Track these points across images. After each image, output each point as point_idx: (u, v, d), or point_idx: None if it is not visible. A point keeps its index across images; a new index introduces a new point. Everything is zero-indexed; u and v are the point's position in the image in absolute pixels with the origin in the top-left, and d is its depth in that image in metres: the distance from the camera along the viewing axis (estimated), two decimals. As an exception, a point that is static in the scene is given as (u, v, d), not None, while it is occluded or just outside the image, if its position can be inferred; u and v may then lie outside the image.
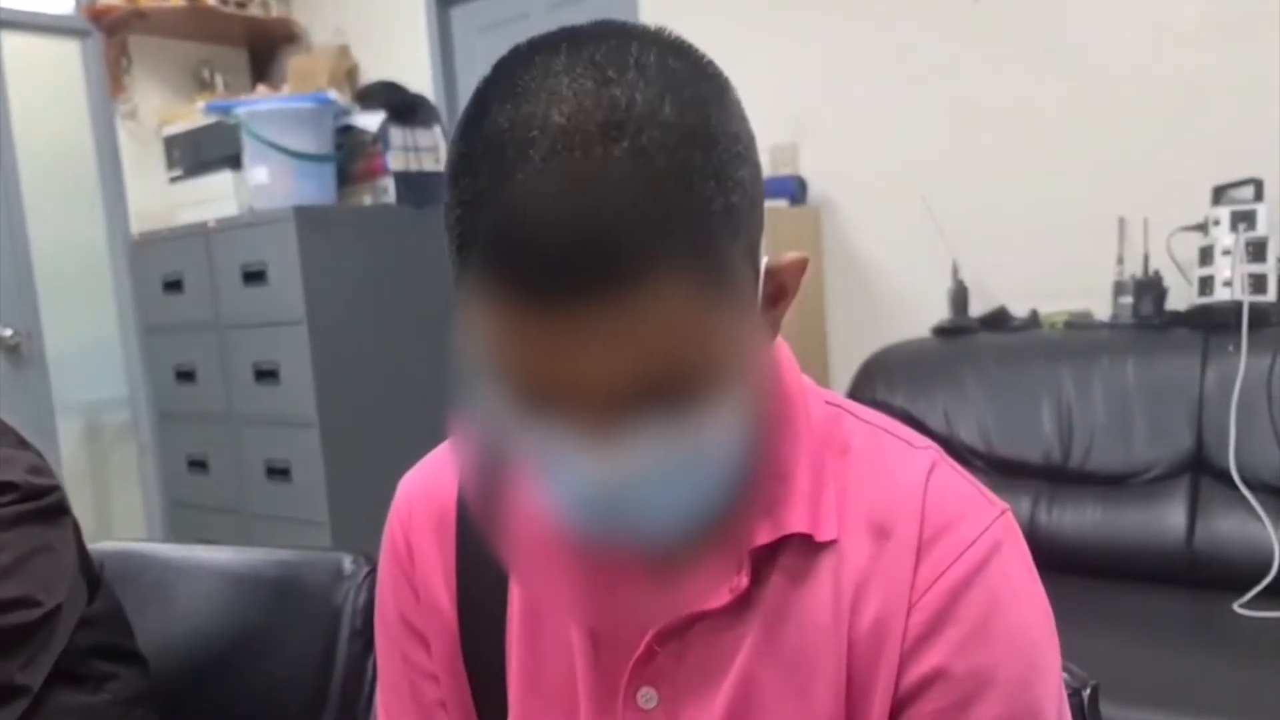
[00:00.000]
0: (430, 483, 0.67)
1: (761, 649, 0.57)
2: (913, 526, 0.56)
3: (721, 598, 0.56)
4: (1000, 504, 0.58)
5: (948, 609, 0.55)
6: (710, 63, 0.50)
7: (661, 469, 0.49)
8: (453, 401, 0.58)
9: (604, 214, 0.43)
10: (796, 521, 0.56)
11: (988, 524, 0.56)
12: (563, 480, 0.51)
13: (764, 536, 0.56)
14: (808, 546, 0.57)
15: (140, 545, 1.26)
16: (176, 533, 3.40)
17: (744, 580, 0.56)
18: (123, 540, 1.27)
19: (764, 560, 0.57)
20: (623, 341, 0.44)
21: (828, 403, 0.62)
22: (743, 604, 0.57)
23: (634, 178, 0.43)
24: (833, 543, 0.57)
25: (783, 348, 0.61)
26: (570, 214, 0.43)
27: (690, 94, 0.46)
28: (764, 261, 0.52)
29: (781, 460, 0.58)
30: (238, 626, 1.11)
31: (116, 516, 3.51)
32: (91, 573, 1.07)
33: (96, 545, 1.14)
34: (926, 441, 0.61)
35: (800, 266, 0.55)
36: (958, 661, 0.54)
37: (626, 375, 0.45)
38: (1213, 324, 1.93)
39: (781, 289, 0.54)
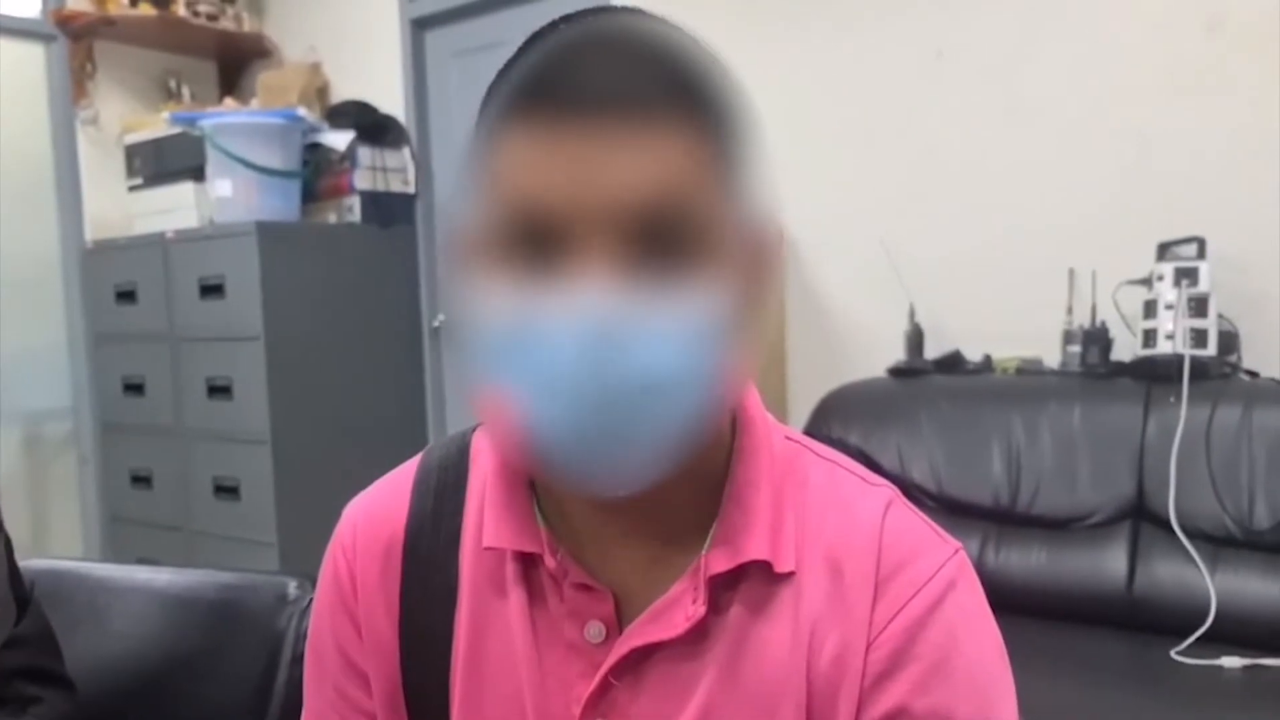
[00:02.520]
0: (377, 509, 0.66)
1: (721, 681, 0.56)
2: (869, 563, 0.56)
3: (678, 627, 0.56)
4: (954, 542, 0.59)
5: (906, 646, 0.55)
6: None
7: (657, 316, 0.49)
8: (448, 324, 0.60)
9: (637, 73, 0.50)
10: (756, 549, 0.56)
11: (942, 562, 0.57)
12: (554, 321, 0.49)
13: (722, 564, 0.56)
14: (767, 576, 0.57)
15: (74, 564, 1.22)
16: (116, 550, 3.31)
17: (701, 608, 0.56)
18: (56, 558, 1.23)
19: (722, 588, 0.57)
20: (643, 162, 0.49)
21: (788, 438, 0.63)
22: (701, 634, 0.56)
23: (663, 62, 0.51)
24: (791, 574, 0.57)
25: (750, 387, 0.62)
26: (611, 69, 0.50)
27: (709, 52, 0.55)
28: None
29: (742, 487, 0.58)
30: (173, 650, 1.08)
31: (53, 531, 3.41)
32: (21, 591, 1.04)
33: (28, 562, 1.10)
34: (882, 480, 0.62)
35: (778, 236, 0.57)
36: (918, 699, 0.54)
37: (641, 194, 0.49)
38: (1155, 375, 1.98)
39: (761, 251, 0.56)
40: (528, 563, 0.60)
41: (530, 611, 0.59)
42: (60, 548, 3.34)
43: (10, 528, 1.03)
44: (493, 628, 0.60)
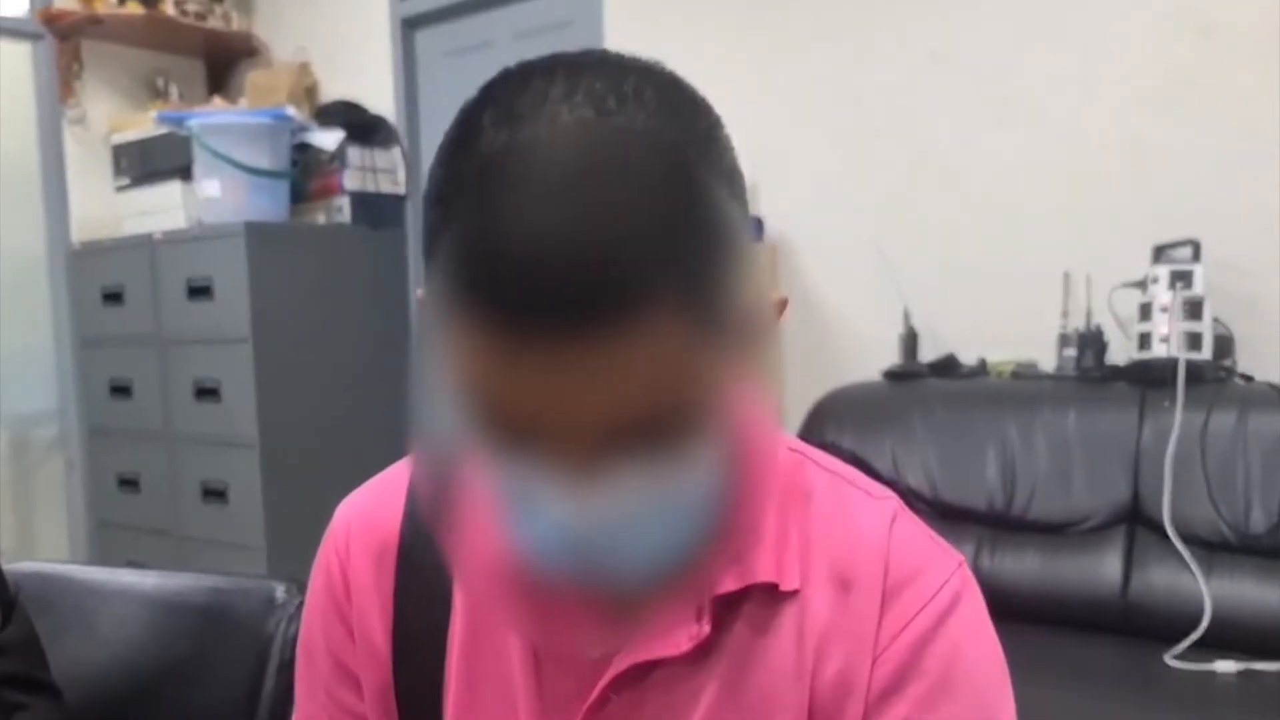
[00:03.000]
0: (372, 509, 0.64)
1: (723, 700, 0.55)
2: (876, 578, 0.56)
3: (682, 645, 0.55)
4: (957, 555, 0.59)
5: (912, 662, 0.54)
6: (704, 99, 0.50)
7: (642, 512, 0.46)
8: (413, 422, 0.54)
9: (604, 247, 0.41)
10: (764, 570, 0.55)
11: (948, 575, 0.57)
12: (534, 519, 0.47)
13: (729, 584, 0.55)
14: (772, 596, 0.56)
15: (60, 567, 1.20)
16: (103, 554, 3.28)
17: (706, 628, 0.55)
18: (43, 561, 1.21)
19: (727, 608, 0.56)
20: (615, 379, 0.42)
21: (790, 448, 0.62)
22: (703, 652, 0.55)
23: (635, 212, 0.42)
24: (796, 592, 0.56)
25: None
26: (569, 245, 0.41)
27: (689, 129, 0.46)
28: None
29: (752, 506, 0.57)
30: (161, 655, 1.06)
31: (39, 536, 3.37)
32: (6, 596, 1.02)
33: (14, 566, 1.08)
34: (886, 491, 0.61)
35: (783, 304, 0.54)
36: (923, 715, 0.54)
37: (616, 413, 0.43)
38: (1150, 379, 1.98)
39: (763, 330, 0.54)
40: None
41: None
42: (47, 552, 3.31)
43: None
44: (489, 635, 0.59)
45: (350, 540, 0.64)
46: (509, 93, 0.46)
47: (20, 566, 1.12)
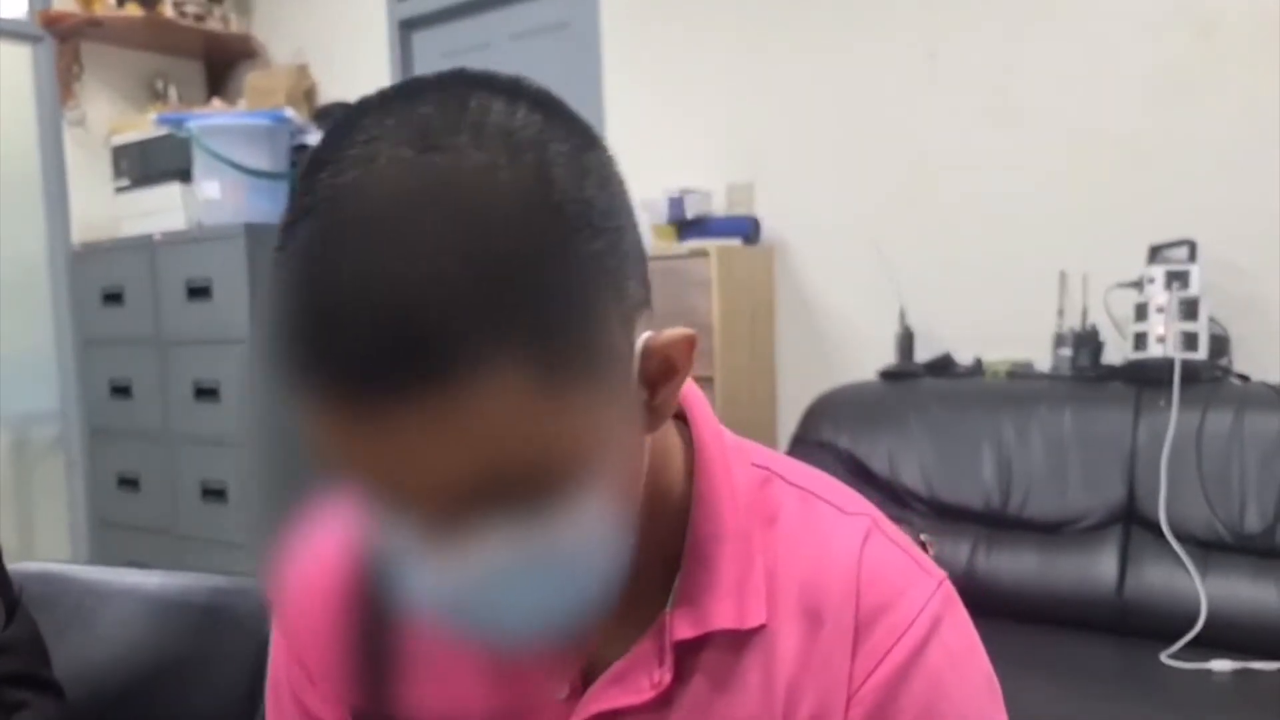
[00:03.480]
0: (321, 550, 0.62)
1: None
2: (847, 610, 0.52)
3: (644, 693, 0.53)
4: (937, 573, 0.55)
5: (889, 699, 0.51)
6: (573, 118, 0.45)
7: (513, 573, 0.44)
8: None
9: (417, 304, 0.37)
10: (722, 616, 0.53)
11: (925, 600, 0.53)
12: (406, 579, 0.46)
13: (686, 630, 0.53)
14: (735, 637, 0.53)
15: (62, 566, 1.21)
16: (103, 553, 3.28)
17: (667, 676, 0.52)
18: (44, 561, 1.22)
19: (688, 653, 0.53)
20: (449, 443, 0.39)
21: (755, 464, 0.58)
22: (666, 700, 0.53)
23: (455, 259, 0.38)
24: (762, 627, 0.53)
25: (702, 413, 0.57)
26: (379, 304, 0.38)
27: (533, 158, 0.41)
28: (642, 339, 0.46)
29: (703, 540, 0.54)
30: (162, 655, 1.07)
31: (40, 535, 3.38)
32: (10, 596, 1.02)
33: (16, 566, 1.09)
34: (860, 505, 0.58)
35: (689, 343, 0.48)
36: None
37: (457, 480, 0.40)
38: (1146, 379, 1.99)
39: (669, 367, 0.48)
40: None
41: (494, 662, 0.56)
42: (48, 551, 3.32)
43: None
44: (452, 681, 0.57)
45: (306, 578, 0.62)
46: (345, 130, 0.43)
47: (23, 566, 1.13)
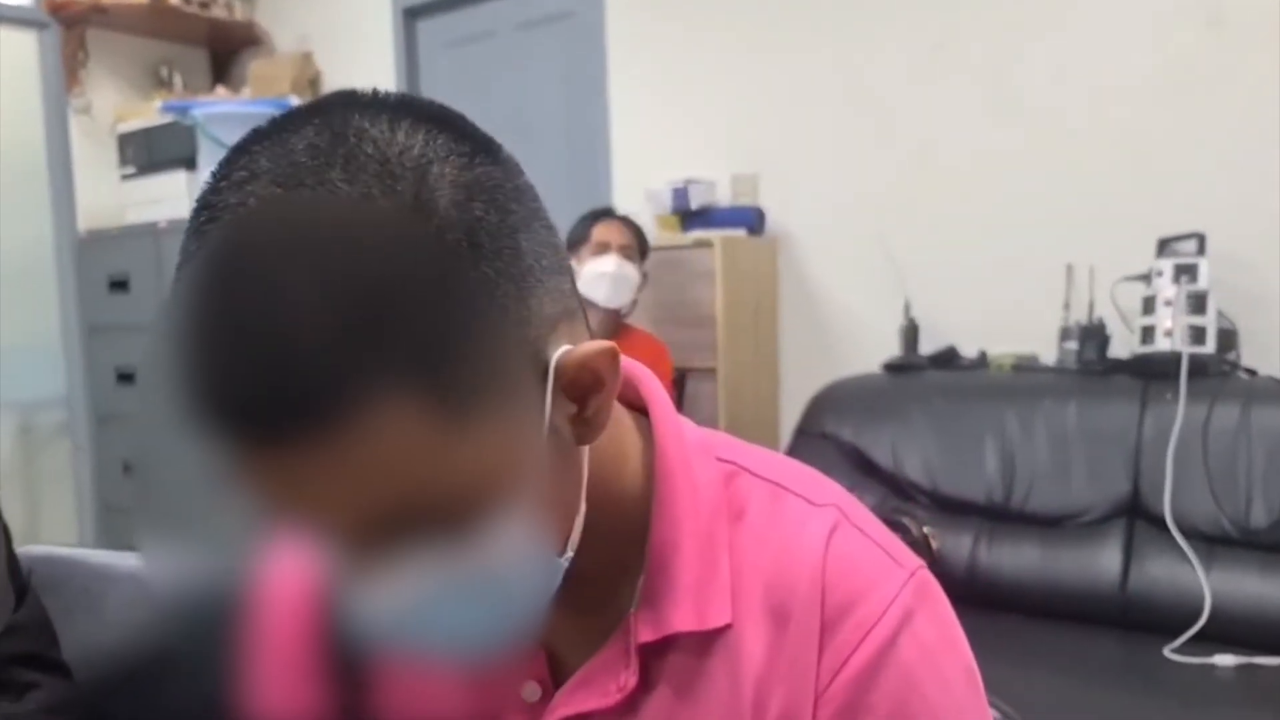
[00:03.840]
0: (289, 569, 0.62)
1: None
2: (813, 607, 0.51)
3: (610, 697, 0.53)
4: (911, 564, 0.53)
5: (858, 698, 0.50)
6: (463, 134, 0.44)
7: (442, 596, 0.45)
8: None
9: (291, 351, 0.37)
10: (681, 619, 0.52)
11: (895, 593, 0.51)
12: (348, 605, 0.46)
13: (647, 634, 0.52)
14: (698, 639, 0.53)
15: (70, 551, 1.22)
16: (108, 537, 3.30)
17: (632, 679, 0.52)
18: (52, 545, 1.22)
19: (652, 656, 0.53)
20: (344, 483, 0.39)
21: (721, 459, 0.56)
22: (632, 703, 0.53)
23: (326, 300, 0.37)
24: (727, 627, 0.52)
25: (661, 412, 0.56)
26: (255, 354, 0.37)
27: (410, 185, 0.40)
28: (557, 354, 0.45)
29: (662, 544, 0.53)
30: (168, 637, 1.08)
31: (46, 520, 3.40)
32: (19, 579, 1.03)
33: (24, 549, 1.10)
34: (830, 494, 0.56)
35: (610, 355, 0.47)
36: None
37: (361, 516, 0.40)
38: (1153, 372, 1.98)
39: (595, 379, 0.47)
40: None
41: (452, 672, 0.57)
42: (54, 536, 3.33)
43: (4, 516, 1.03)
44: (424, 689, 0.57)
45: (273, 604, 0.63)
46: (233, 161, 0.42)
47: (30, 550, 1.13)
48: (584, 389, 0.47)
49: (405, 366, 0.38)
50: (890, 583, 0.52)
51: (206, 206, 0.41)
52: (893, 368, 2.35)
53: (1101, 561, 1.94)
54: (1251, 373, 2.01)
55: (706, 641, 0.52)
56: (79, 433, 3.38)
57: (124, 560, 1.17)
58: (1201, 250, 2.00)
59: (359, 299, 0.38)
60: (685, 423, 0.58)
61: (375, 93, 0.44)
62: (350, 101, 0.43)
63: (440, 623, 0.46)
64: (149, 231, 3.01)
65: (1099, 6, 2.21)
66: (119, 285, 3.12)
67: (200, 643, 1.06)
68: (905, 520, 1.96)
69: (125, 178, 3.22)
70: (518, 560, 0.46)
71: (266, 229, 0.39)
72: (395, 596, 0.44)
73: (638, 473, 0.55)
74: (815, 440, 2.25)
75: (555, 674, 0.55)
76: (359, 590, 0.44)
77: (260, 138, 0.42)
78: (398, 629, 0.46)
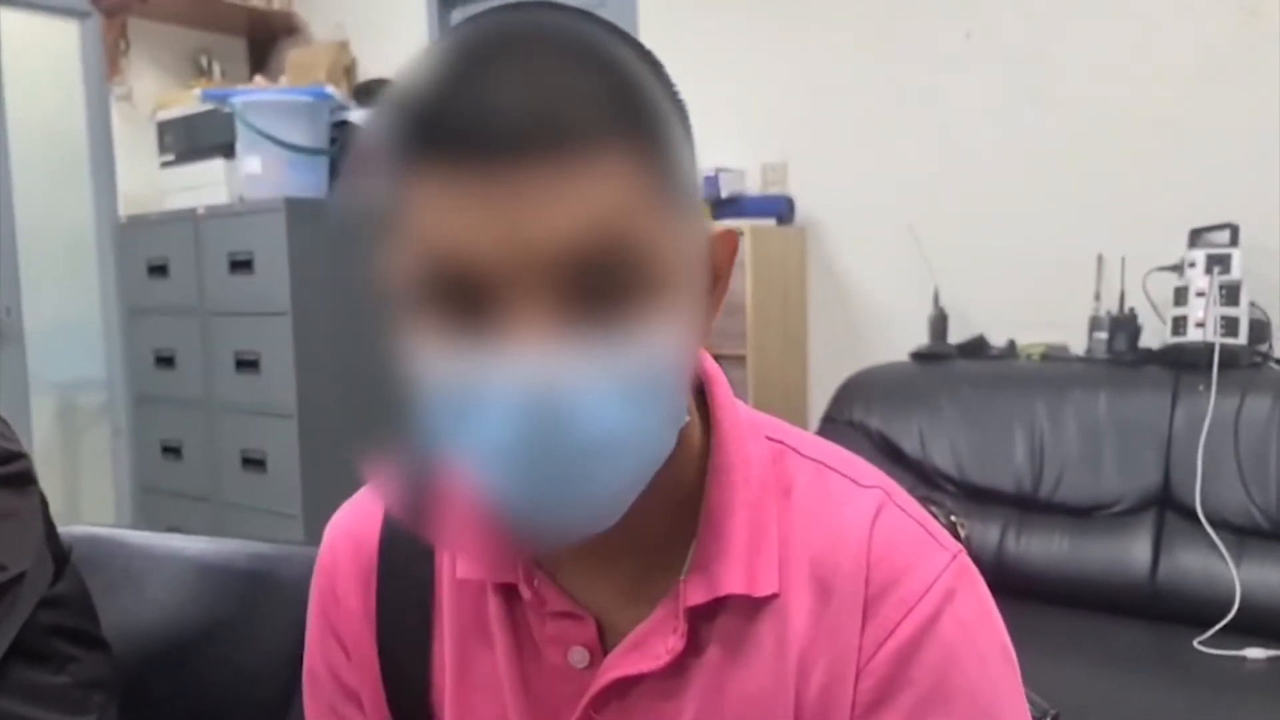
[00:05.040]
0: (355, 526, 0.64)
1: (703, 715, 0.54)
2: (858, 582, 0.53)
3: (659, 659, 0.54)
4: (952, 546, 0.55)
5: (899, 672, 0.51)
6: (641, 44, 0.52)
7: (600, 373, 0.45)
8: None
9: (561, 85, 0.44)
10: (732, 582, 0.53)
11: (938, 573, 0.53)
12: (493, 393, 0.45)
13: (698, 596, 0.53)
14: (747, 604, 0.54)
15: (112, 530, 1.25)
16: (145, 518, 3.37)
17: (680, 642, 0.53)
18: (94, 524, 1.26)
19: (701, 619, 0.54)
20: (572, 202, 0.43)
21: (769, 438, 0.58)
22: (680, 667, 0.54)
23: (591, 63, 0.45)
24: (774, 597, 0.54)
25: (722, 389, 0.58)
26: (528, 82, 0.44)
27: (635, 41, 0.49)
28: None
29: (717, 509, 0.55)
30: (207, 617, 1.11)
31: (85, 499, 3.48)
32: (59, 552, 1.06)
33: (67, 528, 1.13)
34: (874, 478, 0.58)
35: (731, 244, 0.53)
36: None
37: (573, 238, 0.43)
38: (1184, 363, 1.97)
39: (715, 263, 0.53)
40: (508, 587, 0.58)
41: (514, 634, 0.58)
42: (92, 515, 3.41)
43: (45, 494, 1.06)
44: (477, 650, 0.59)
45: (337, 559, 0.64)
46: (475, 14, 0.50)
47: (73, 529, 1.17)
48: (716, 260, 0.53)
49: (640, 142, 0.45)
50: (933, 562, 0.53)
51: (460, 26, 0.48)
52: (921, 356, 2.34)
53: (1131, 552, 1.93)
54: (1286, 364, 1.98)
55: (754, 608, 0.54)
56: (118, 415, 3.46)
57: (166, 541, 1.20)
58: (1234, 241, 1.98)
59: (620, 81, 0.46)
60: (738, 402, 0.59)
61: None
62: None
63: (573, 415, 0.45)
64: (188, 217, 3.06)
65: (1135, -7, 2.18)
66: (158, 270, 3.18)
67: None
68: (933, 509, 1.95)
69: (165, 164, 3.26)
70: (660, 379, 0.47)
71: (535, 19, 0.47)
72: (549, 366, 0.44)
73: (694, 442, 0.56)
74: (843, 428, 2.26)
75: (603, 642, 0.56)
76: (517, 348, 0.44)
77: (461, 26, 0.49)
78: (529, 415, 0.44)
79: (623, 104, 0.45)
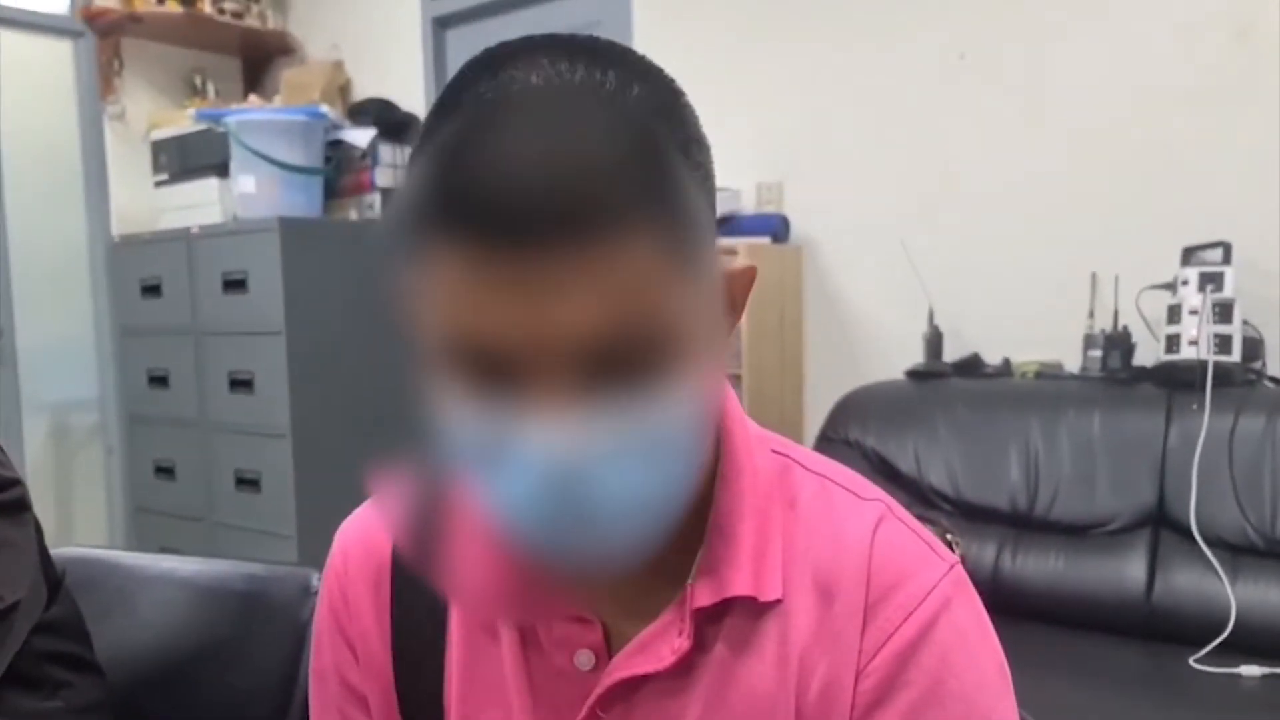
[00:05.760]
0: (367, 531, 0.66)
1: (708, 715, 0.56)
2: (858, 587, 0.55)
3: (665, 659, 0.55)
4: (950, 558, 0.57)
5: (897, 673, 0.53)
6: (667, 75, 0.53)
7: (621, 444, 0.46)
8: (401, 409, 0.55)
9: (581, 165, 0.43)
10: (740, 584, 0.55)
11: (936, 581, 0.55)
12: (516, 461, 0.47)
13: (706, 598, 0.55)
14: (752, 608, 0.56)
15: (104, 552, 1.24)
16: (139, 539, 3.35)
17: (686, 642, 0.55)
18: (85, 546, 1.25)
19: (707, 621, 0.56)
20: (594, 288, 0.43)
21: (775, 451, 0.61)
22: (686, 667, 0.56)
23: (610, 136, 0.45)
24: (778, 602, 0.55)
25: (731, 400, 0.60)
26: (549, 162, 0.43)
27: (657, 84, 0.50)
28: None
29: (725, 516, 0.56)
30: (200, 639, 1.10)
31: (78, 520, 3.45)
32: (53, 576, 1.05)
33: (59, 550, 1.12)
34: (875, 492, 0.60)
35: (749, 276, 0.55)
36: None
37: (596, 324, 0.44)
38: (1178, 381, 1.97)
39: (732, 297, 0.55)
40: None
41: (521, 636, 0.59)
42: (85, 536, 3.39)
43: (37, 515, 1.05)
44: (484, 653, 0.60)
45: (348, 564, 0.65)
46: (495, 53, 0.50)
47: (66, 551, 1.16)
48: (732, 295, 0.54)
49: (658, 212, 0.45)
50: (932, 571, 0.55)
51: (475, 79, 0.49)
52: (916, 375, 2.34)
53: (1126, 571, 1.93)
54: (1277, 382, 1.99)
55: (759, 611, 0.55)
56: (111, 434, 3.44)
57: (158, 562, 1.19)
58: (1227, 259, 1.99)
59: (640, 147, 0.45)
60: (746, 417, 0.61)
61: (595, 36, 0.53)
62: (579, 36, 0.52)
63: (600, 476, 0.46)
64: (181, 237, 3.06)
65: (1127, 15, 2.20)
66: (152, 289, 3.17)
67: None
68: (929, 527, 1.95)
69: (159, 184, 3.27)
70: (684, 432, 0.49)
71: (556, 85, 0.47)
72: (574, 433, 0.45)
73: (707, 456, 0.57)
74: (839, 447, 2.26)
75: (609, 645, 0.58)
76: (539, 420, 0.45)
77: (516, 40, 0.51)
78: (555, 478, 0.46)
79: (647, 177, 0.45)
